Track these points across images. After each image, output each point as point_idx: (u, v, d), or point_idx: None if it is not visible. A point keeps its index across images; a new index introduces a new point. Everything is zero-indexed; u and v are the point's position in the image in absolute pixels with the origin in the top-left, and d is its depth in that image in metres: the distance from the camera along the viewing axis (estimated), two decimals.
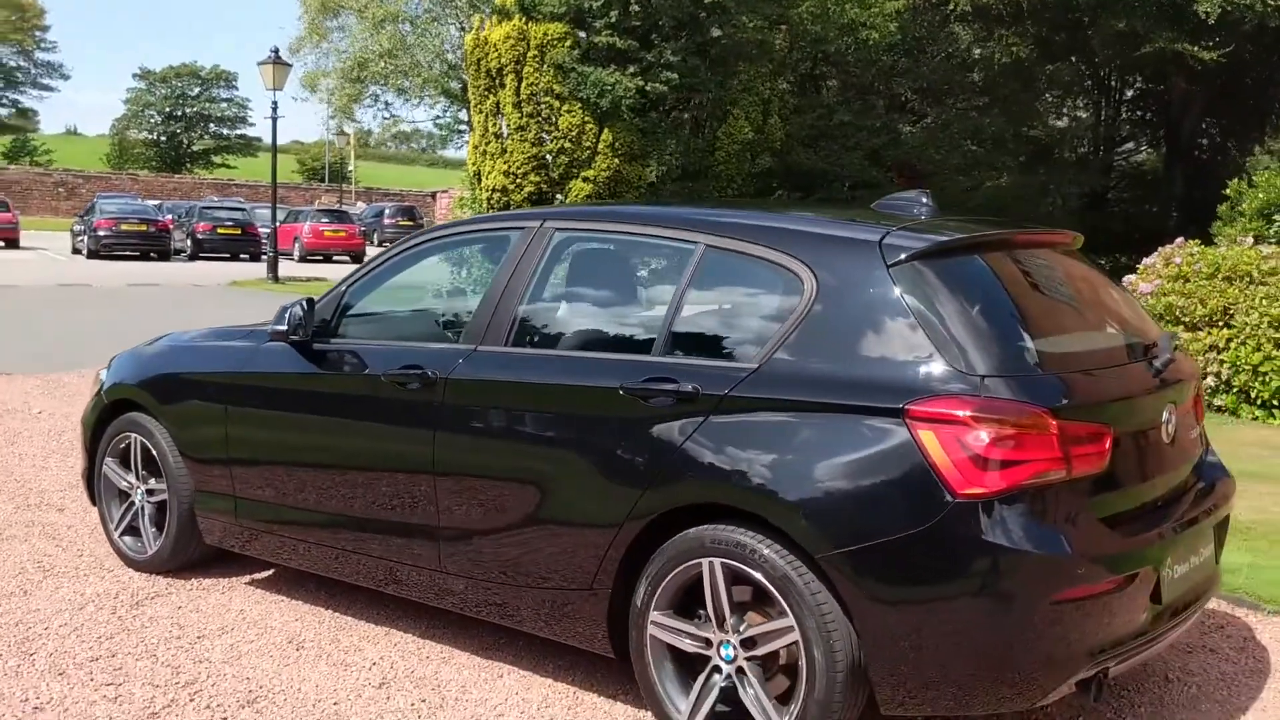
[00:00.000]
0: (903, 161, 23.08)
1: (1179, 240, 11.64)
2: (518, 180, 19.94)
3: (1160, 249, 11.57)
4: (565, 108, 19.77)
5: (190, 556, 5.25)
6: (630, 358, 3.87)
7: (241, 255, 34.02)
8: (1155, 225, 24.96)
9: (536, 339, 4.17)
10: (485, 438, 4.08)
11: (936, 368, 3.31)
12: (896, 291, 3.44)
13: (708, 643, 3.57)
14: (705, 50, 20.46)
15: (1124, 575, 3.32)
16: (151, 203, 39.48)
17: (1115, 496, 3.44)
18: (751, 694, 3.48)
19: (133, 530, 5.38)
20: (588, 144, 19.93)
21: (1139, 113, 31.21)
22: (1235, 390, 10.01)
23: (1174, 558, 3.57)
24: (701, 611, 3.59)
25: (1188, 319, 10.40)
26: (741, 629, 3.50)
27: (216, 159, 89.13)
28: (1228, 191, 14.53)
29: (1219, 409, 10.08)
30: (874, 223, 3.77)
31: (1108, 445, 3.37)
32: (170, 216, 36.33)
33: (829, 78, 24.31)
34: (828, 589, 3.32)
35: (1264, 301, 10.01)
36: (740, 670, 3.51)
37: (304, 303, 4.68)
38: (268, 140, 28.30)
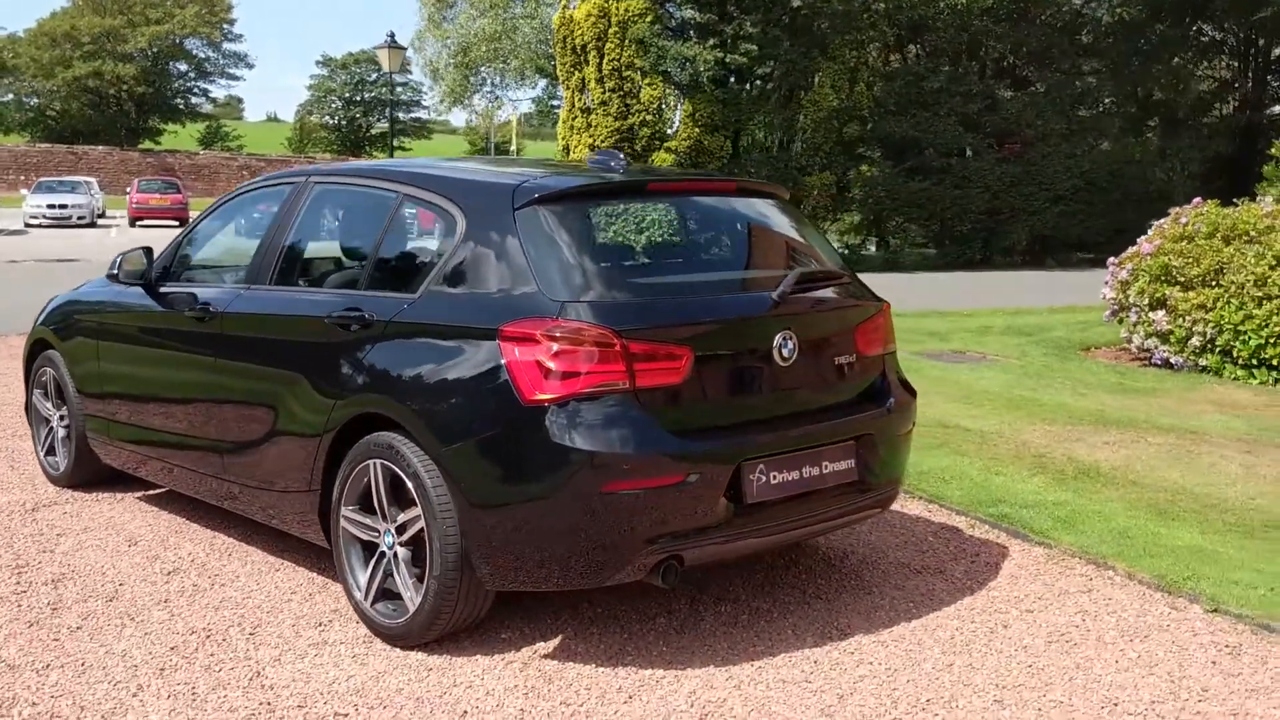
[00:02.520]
0: (1001, 128, 22.74)
1: (1196, 200, 11.43)
2: None
3: (1174, 209, 11.41)
4: (647, 81, 20.34)
5: (93, 475, 6.10)
6: (343, 292, 4.50)
7: None
8: None
9: (290, 278, 4.84)
10: (242, 362, 4.77)
11: (531, 295, 3.83)
12: (517, 230, 3.96)
13: (377, 532, 4.18)
14: (787, 20, 20.65)
15: (680, 474, 3.75)
16: None
17: (693, 405, 3.88)
18: (400, 573, 4.08)
19: (52, 450, 6.30)
20: (668, 116, 20.41)
21: None
22: (1218, 350, 9.89)
23: (770, 465, 3.98)
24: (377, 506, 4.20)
25: (1183, 278, 10.30)
26: (397, 519, 4.10)
27: (396, 142, 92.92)
28: (1273, 151, 14.01)
29: (1203, 369, 9.98)
30: (523, 172, 4.30)
31: (684, 363, 3.82)
32: None
33: (918, 44, 24.08)
34: (446, 483, 3.88)
35: (1252, 260, 9.85)
36: (396, 554, 4.11)
37: (143, 251, 5.46)
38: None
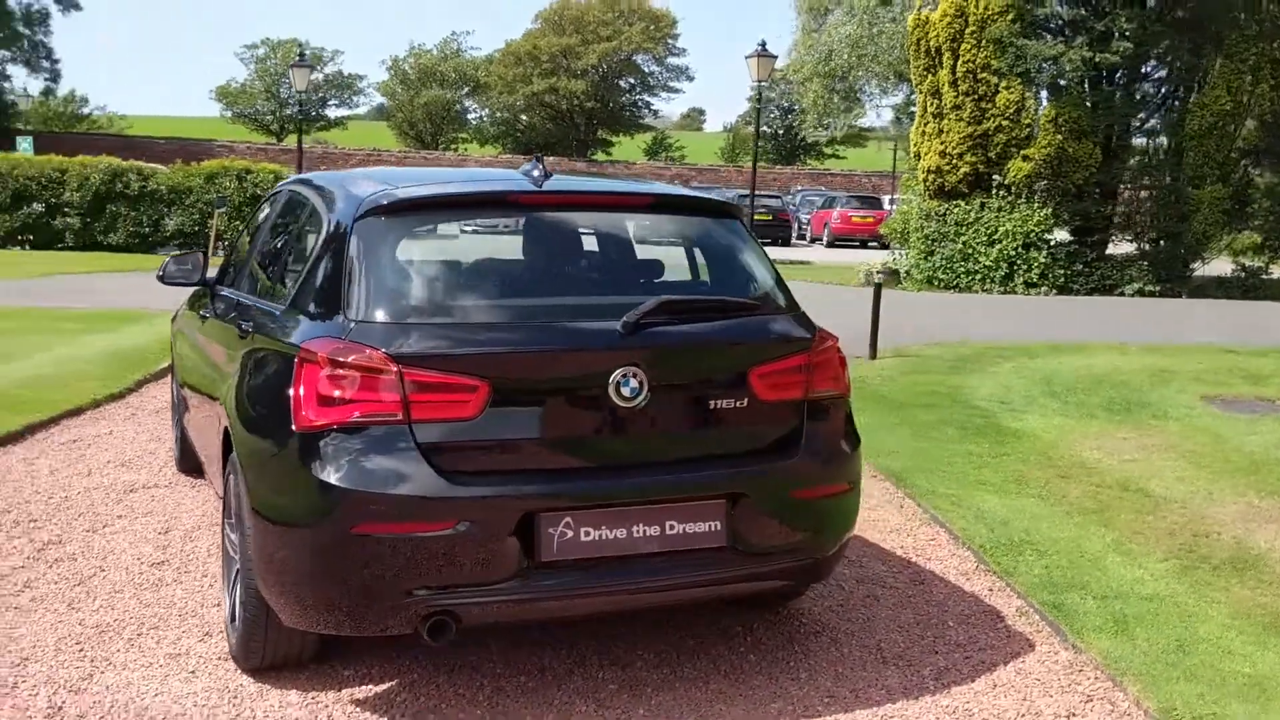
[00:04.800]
0: None
1: None
2: (952, 160, 19.44)
3: None
4: (1004, 84, 18.90)
5: (195, 461, 6.47)
6: (259, 301, 4.45)
7: (770, 239, 36.05)
8: None
9: (247, 284, 4.86)
10: (211, 365, 4.86)
11: (332, 311, 3.58)
12: (350, 243, 3.71)
13: (236, 547, 4.09)
14: (1170, 15, 18.34)
15: (448, 520, 3.32)
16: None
17: (486, 446, 3.43)
18: (237, 595, 3.96)
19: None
20: (1027, 121, 18.83)
21: None
22: None
23: (582, 519, 3.45)
24: None
25: None
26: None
27: (828, 150, 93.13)
28: None
29: None
30: (404, 180, 4.03)
31: (479, 397, 3.40)
32: None
33: None
34: (249, 507, 3.71)
35: None
36: (238, 573, 3.99)
37: (200, 254, 5.72)
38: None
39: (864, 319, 11.37)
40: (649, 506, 3.54)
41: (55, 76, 63.28)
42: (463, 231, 3.96)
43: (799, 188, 59.00)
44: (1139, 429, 8.14)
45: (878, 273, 20.89)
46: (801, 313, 4.02)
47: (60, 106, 73.46)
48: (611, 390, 3.51)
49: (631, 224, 4.14)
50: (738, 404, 3.71)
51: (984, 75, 18.95)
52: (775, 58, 24.94)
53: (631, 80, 79.39)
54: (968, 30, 19.00)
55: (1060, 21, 18.73)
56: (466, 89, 79.25)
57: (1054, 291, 19.56)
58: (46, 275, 18.16)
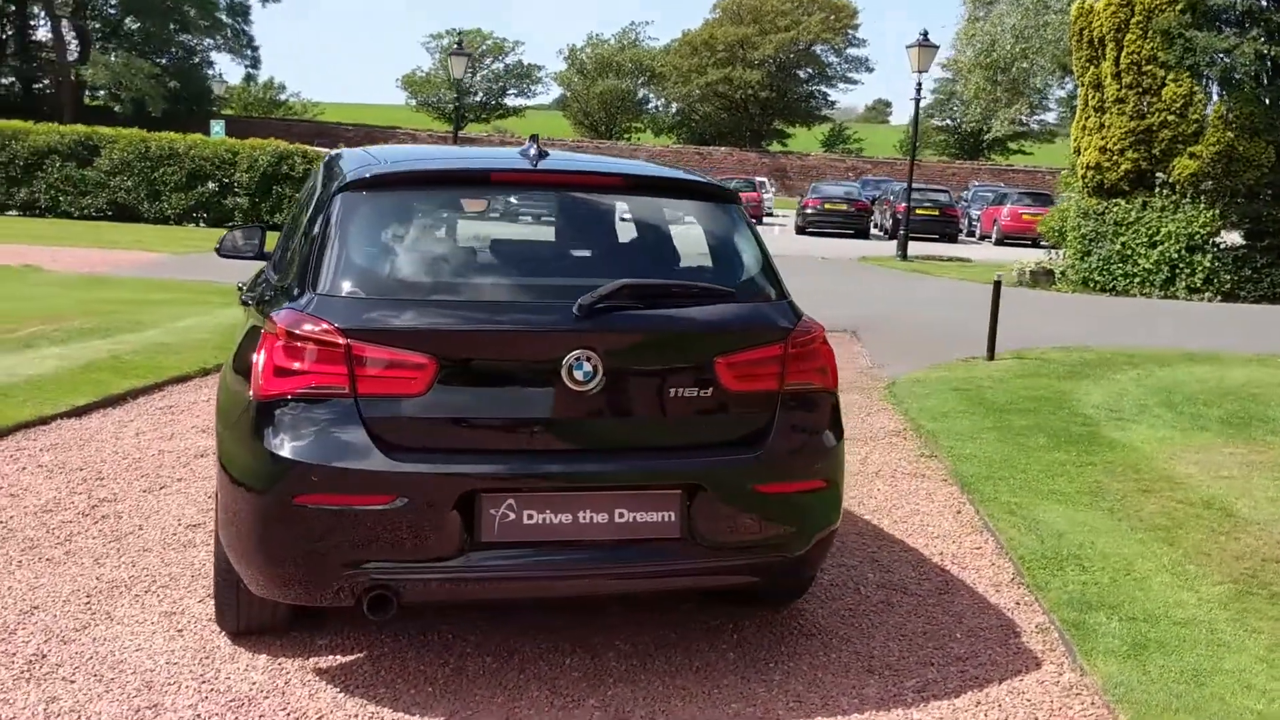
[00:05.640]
0: None
1: None
2: (1113, 157, 18.53)
3: None
4: (1170, 77, 17.88)
5: None
6: (269, 274, 4.55)
7: (936, 235, 35.10)
8: None
9: (277, 261, 4.97)
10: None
11: (303, 284, 3.62)
12: (327, 217, 3.75)
13: None
14: None
15: (386, 495, 3.32)
16: (854, 185, 42.14)
17: (433, 422, 3.42)
18: None
19: None
20: (1195, 117, 17.76)
21: None
22: None
23: (525, 502, 3.41)
24: None
25: None
26: None
27: (1013, 145, 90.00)
28: None
29: None
30: (402, 156, 4.07)
31: (427, 374, 3.39)
32: (869, 198, 38.51)
33: None
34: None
35: None
36: None
37: (260, 228, 5.89)
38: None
39: (1001, 320, 10.93)
40: (597, 493, 3.47)
41: (255, 63, 66.79)
42: (450, 210, 3.96)
43: (976, 183, 57.29)
44: (1249, 445, 7.58)
45: (1030, 272, 20.12)
46: (786, 302, 3.87)
47: (260, 93, 77.40)
48: (564, 373, 3.45)
49: (615, 205, 4.05)
50: (701, 393, 3.60)
51: (1149, 68, 17.96)
52: (937, 48, 24.24)
53: (809, 70, 78.46)
54: (1133, 20, 18.03)
55: (1235, 12, 17.59)
56: (643, 79, 79.62)
57: (1219, 298, 18.44)
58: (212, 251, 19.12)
